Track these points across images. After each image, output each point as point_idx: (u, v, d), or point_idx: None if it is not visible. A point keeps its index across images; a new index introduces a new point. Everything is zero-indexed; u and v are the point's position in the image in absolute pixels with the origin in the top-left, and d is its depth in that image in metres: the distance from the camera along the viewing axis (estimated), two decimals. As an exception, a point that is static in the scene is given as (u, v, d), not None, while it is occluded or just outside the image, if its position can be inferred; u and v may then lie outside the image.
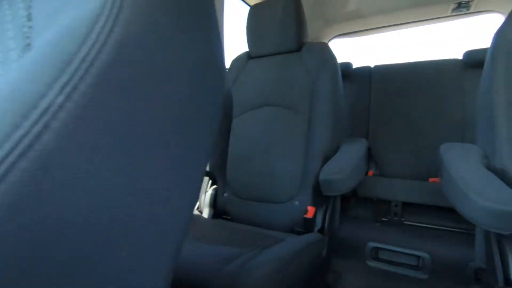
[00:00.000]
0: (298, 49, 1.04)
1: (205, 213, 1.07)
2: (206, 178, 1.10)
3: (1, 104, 0.15)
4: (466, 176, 0.55)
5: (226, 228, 0.93)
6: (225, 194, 1.05)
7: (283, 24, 1.02)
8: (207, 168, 1.06)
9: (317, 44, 1.02)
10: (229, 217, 1.04)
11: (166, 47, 0.23)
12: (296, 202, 0.91)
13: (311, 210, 0.85)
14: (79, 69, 0.17)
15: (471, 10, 1.50)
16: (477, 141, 0.72)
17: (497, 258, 0.58)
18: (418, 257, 1.03)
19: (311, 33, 1.90)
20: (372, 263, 1.10)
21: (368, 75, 1.63)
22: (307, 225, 0.86)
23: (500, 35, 0.69)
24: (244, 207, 1.01)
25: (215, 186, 1.09)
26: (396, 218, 1.22)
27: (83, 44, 0.17)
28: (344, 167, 0.75)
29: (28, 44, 0.22)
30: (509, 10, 1.47)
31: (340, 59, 1.73)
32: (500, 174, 0.61)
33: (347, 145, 0.92)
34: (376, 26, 1.76)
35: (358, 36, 1.87)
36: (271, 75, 1.06)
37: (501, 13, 1.49)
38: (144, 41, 0.21)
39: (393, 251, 1.07)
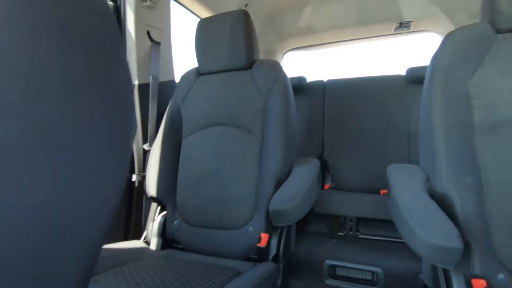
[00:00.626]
0: (249, 66, 1.01)
1: (153, 244, 0.98)
2: (154, 205, 1.01)
3: None
4: (411, 206, 0.55)
5: (176, 260, 0.85)
6: (175, 222, 0.97)
7: (233, 41, 0.98)
8: (155, 194, 0.97)
9: (268, 62, 1.00)
10: (180, 246, 0.96)
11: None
12: (250, 228, 0.87)
13: (264, 237, 0.81)
14: None
15: (411, 29, 1.62)
16: (420, 162, 0.74)
17: (442, 284, 0.59)
18: (372, 272, 1.05)
19: (266, 47, 1.91)
20: (329, 281, 1.09)
21: (321, 89, 1.66)
22: (261, 254, 0.81)
23: (435, 60, 0.71)
24: (196, 235, 0.94)
25: (164, 213, 1.00)
26: (351, 232, 1.23)
27: None
28: (294, 195, 0.72)
29: None
30: (443, 31, 1.60)
31: (296, 72, 1.76)
32: (441, 198, 0.62)
33: (299, 167, 0.89)
34: (327, 41, 1.82)
35: (311, 50, 1.91)
36: (222, 93, 1.01)
37: (438, 33, 1.62)
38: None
39: (349, 268, 1.08)
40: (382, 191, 1.35)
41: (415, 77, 1.43)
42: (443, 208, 0.62)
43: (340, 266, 1.09)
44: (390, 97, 1.49)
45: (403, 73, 1.51)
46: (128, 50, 1.02)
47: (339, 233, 1.26)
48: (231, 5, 1.45)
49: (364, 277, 1.07)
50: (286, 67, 2.12)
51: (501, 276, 0.56)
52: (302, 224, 1.34)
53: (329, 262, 1.10)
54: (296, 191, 0.74)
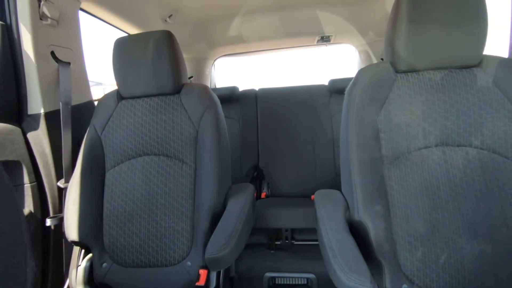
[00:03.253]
0: (177, 91, 0.96)
1: (79, 292, 0.88)
2: (76, 249, 0.91)
3: None
4: (333, 246, 0.61)
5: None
6: (104, 264, 0.89)
7: (157, 64, 0.92)
8: (76, 238, 0.87)
9: (197, 87, 0.97)
10: (112, 290, 0.89)
11: None
12: (188, 263, 0.85)
13: (203, 274, 0.80)
14: None
15: (332, 41, 1.75)
16: (342, 188, 0.81)
17: None
18: (307, 278, 1.14)
19: (196, 54, 1.84)
20: (270, 292, 1.15)
21: (254, 98, 1.69)
22: (200, 291, 0.81)
23: (350, 95, 0.79)
24: (129, 277, 0.88)
25: (89, 256, 0.91)
26: (287, 241, 1.31)
27: None
28: (229, 239, 0.72)
29: None
30: (358, 44, 1.77)
31: (228, 80, 1.75)
32: (358, 225, 0.70)
33: (233, 200, 0.90)
34: (256, 50, 1.85)
35: (240, 56, 1.92)
36: (148, 119, 0.95)
37: (353, 45, 1.79)
38: None
39: (287, 277, 1.15)
40: (312, 196, 1.47)
41: (336, 88, 1.55)
42: (359, 233, 0.70)
43: (278, 277, 1.16)
44: (316, 105, 1.59)
45: (326, 83, 1.63)
46: (27, 75, 0.87)
47: (276, 243, 1.32)
48: (154, 17, 1.34)
49: (300, 283, 1.16)
50: (217, 73, 2.09)
51: (405, 286, 0.67)
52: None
53: (268, 274, 1.16)
54: (231, 233, 0.74)
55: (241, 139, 1.65)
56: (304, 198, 1.43)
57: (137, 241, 0.88)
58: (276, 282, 1.17)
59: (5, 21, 0.82)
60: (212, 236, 0.74)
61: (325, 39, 1.68)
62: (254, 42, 1.75)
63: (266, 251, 1.29)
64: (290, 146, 1.58)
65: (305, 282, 1.15)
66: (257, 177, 1.65)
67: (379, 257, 0.67)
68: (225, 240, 0.71)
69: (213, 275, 0.83)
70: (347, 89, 0.82)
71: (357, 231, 0.70)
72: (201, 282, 0.79)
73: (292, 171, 1.55)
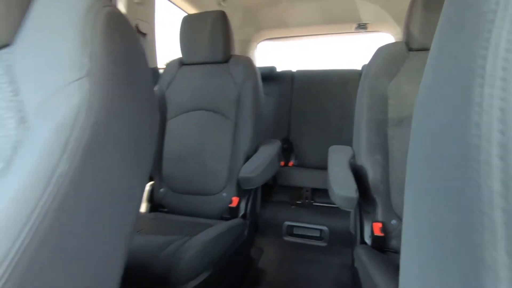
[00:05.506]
0: (226, 60, 1.19)
1: (143, 208, 1.17)
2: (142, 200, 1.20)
3: None
4: (334, 173, 0.79)
5: (163, 220, 1.06)
6: (161, 190, 1.17)
7: (212, 38, 1.15)
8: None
9: (242, 59, 1.19)
10: (165, 209, 1.17)
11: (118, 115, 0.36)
12: (224, 194, 1.09)
13: (235, 200, 1.04)
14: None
15: (369, 29, 1.85)
16: (353, 142, 0.99)
17: (357, 227, 0.85)
18: (320, 230, 1.33)
19: (243, 37, 2.06)
20: (287, 238, 1.36)
21: (290, 78, 1.87)
22: (232, 213, 1.04)
23: (367, 68, 0.95)
24: (179, 200, 1.15)
25: (151, 183, 1.19)
26: (307, 200, 1.51)
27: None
28: (258, 166, 0.95)
29: (22, 117, 0.33)
30: (394, 33, 1.86)
31: (268, 61, 1.94)
32: (360, 169, 0.88)
33: (264, 147, 1.12)
34: (296, 35, 2.02)
35: (282, 41, 2.10)
36: (202, 82, 1.19)
37: (390, 34, 1.87)
38: (109, 119, 0.34)
39: (303, 227, 1.35)
40: None
41: None
42: (360, 176, 0.87)
43: (296, 226, 1.36)
44: (347, 88, 1.74)
45: (359, 68, 1.76)
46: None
47: (297, 202, 1.52)
48: (211, 0, 1.59)
49: (314, 235, 1.35)
50: (259, 55, 2.30)
51: (393, 221, 0.84)
52: (268, 194, 1.59)
53: (287, 223, 1.37)
54: (259, 164, 0.96)
55: (275, 115, 1.85)
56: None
57: (187, 174, 1.14)
58: (294, 231, 1.38)
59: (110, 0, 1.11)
60: (245, 164, 0.97)
61: (362, 27, 1.80)
62: (296, 28, 1.92)
63: (288, 207, 1.50)
64: (320, 123, 1.74)
65: (318, 234, 1.35)
66: (286, 149, 1.86)
67: (374, 195, 0.84)
68: (254, 167, 0.93)
69: (243, 204, 1.07)
70: (366, 63, 0.98)
71: (359, 175, 0.88)
72: (233, 204, 1.02)
73: (319, 146, 1.72)
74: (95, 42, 0.34)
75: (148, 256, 0.69)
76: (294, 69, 1.92)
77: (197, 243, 0.73)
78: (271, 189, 1.62)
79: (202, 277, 0.72)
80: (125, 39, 0.39)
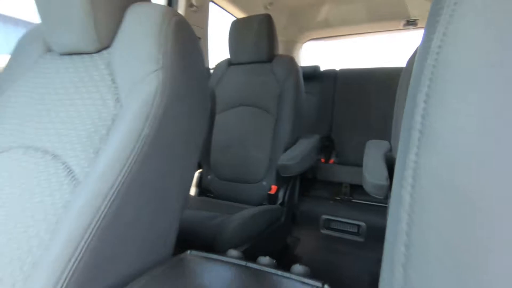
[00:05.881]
0: (270, 60, 1.28)
1: (192, 192, 1.32)
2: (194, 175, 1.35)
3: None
4: (367, 163, 0.83)
5: (209, 202, 1.19)
6: (209, 177, 1.31)
7: (258, 40, 1.25)
8: (194, 155, 1.31)
9: (285, 58, 1.27)
10: (211, 195, 1.30)
11: (184, 104, 0.48)
12: (264, 182, 1.18)
13: (274, 188, 1.12)
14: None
15: (418, 26, 1.79)
16: (391, 136, 1.00)
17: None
18: (358, 225, 1.35)
19: (288, 37, 2.15)
20: (324, 231, 1.40)
21: (333, 76, 1.90)
22: (271, 200, 1.13)
23: (409, 63, 0.96)
24: (224, 186, 1.27)
25: (200, 170, 1.34)
26: (346, 197, 1.53)
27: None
28: (296, 156, 1.02)
29: (117, 98, 0.46)
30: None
31: (312, 61, 1.99)
32: (394, 162, 0.90)
33: (302, 139, 1.19)
34: (341, 34, 2.03)
35: (326, 40, 2.13)
36: (247, 80, 1.30)
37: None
38: (178, 104, 0.45)
39: (341, 221, 1.38)
40: None
41: None
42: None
43: (333, 220, 1.40)
44: (392, 87, 1.71)
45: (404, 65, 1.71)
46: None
47: (336, 197, 1.55)
48: (258, 4, 1.70)
49: (351, 230, 1.37)
50: (304, 55, 2.35)
51: None
52: (307, 188, 1.65)
53: (325, 216, 1.41)
54: (297, 153, 1.03)
55: (317, 112, 1.90)
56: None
57: (232, 163, 1.26)
58: (331, 225, 1.41)
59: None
60: (284, 153, 1.05)
61: (411, 23, 1.75)
62: (340, 27, 1.94)
63: (326, 201, 1.54)
64: (362, 121, 1.74)
65: (356, 230, 1.36)
66: (327, 146, 1.88)
67: None
68: (292, 156, 1.01)
69: (281, 193, 1.15)
70: (408, 59, 0.99)
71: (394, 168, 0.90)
72: (272, 191, 1.11)
73: (360, 144, 1.72)
74: (167, 43, 0.46)
75: (197, 226, 0.81)
76: (337, 68, 1.94)
77: (238, 218, 0.83)
78: (310, 184, 1.67)
79: (240, 249, 0.82)
80: (188, 41, 0.50)
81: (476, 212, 0.18)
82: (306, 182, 1.65)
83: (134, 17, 0.50)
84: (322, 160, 1.76)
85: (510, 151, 0.17)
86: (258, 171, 1.20)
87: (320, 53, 2.31)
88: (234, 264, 0.44)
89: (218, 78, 1.37)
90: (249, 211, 0.91)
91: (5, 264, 0.39)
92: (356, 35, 2.02)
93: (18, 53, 0.60)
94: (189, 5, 1.30)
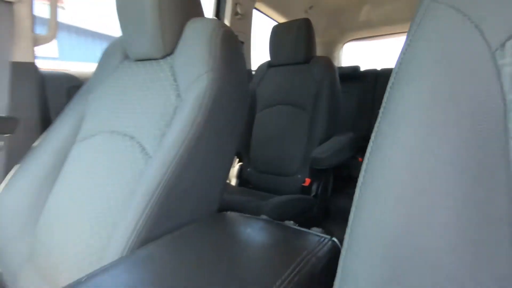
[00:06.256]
0: (308, 61, 1.36)
1: (233, 182, 1.45)
2: (234, 157, 1.49)
3: None
4: None
5: (248, 192, 1.30)
6: (249, 169, 1.43)
7: (296, 43, 1.34)
8: (237, 150, 1.44)
9: (322, 59, 1.34)
10: (250, 186, 1.42)
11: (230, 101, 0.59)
12: (299, 175, 1.26)
13: (307, 181, 1.20)
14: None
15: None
16: None
17: None
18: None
19: (329, 38, 2.19)
20: (358, 227, 1.43)
21: (374, 76, 1.90)
22: (304, 192, 1.21)
23: None
24: (262, 179, 1.38)
25: (241, 163, 1.46)
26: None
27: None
28: (328, 150, 1.09)
29: (178, 94, 0.59)
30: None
31: (353, 61, 2.00)
32: None
33: (336, 136, 1.24)
34: (383, 34, 2.01)
35: (367, 41, 2.12)
36: (286, 81, 1.40)
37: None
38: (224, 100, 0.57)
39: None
40: None
41: None
42: None
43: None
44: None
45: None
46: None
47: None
48: (299, 8, 1.78)
49: None
50: (345, 56, 2.36)
51: None
52: (343, 186, 1.68)
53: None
54: (329, 148, 1.10)
55: (357, 112, 1.91)
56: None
57: (269, 157, 1.36)
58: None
59: (218, 16, 1.43)
60: (318, 147, 1.12)
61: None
62: (382, 27, 1.93)
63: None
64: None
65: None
66: (366, 146, 1.88)
67: None
68: (324, 150, 1.07)
69: (315, 186, 1.22)
70: None
71: None
72: (306, 183, 1.19)
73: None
74: (216, 50, 0.58)
75: (236, 204, 0.93)
76: (379, 68, 1.93)
77: (273, 202, 0.93)
78: (346, 182, 1.70)
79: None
80: (233, 48, 0.62)
81: (408, 208, 0.25)
82: (341, 179, 1.68)
83: (191, 29, 0.63)
84: (360, 159, 1.78)
85: (435, 159, 0.24)
86: (293, 165, 1.29)
87: (361, 53, 2.31)
88: (264, 219, 0.54)
89: (259, 79, 1.48)
90: (284, 197, 1.00)
91: (96, 220, 0.54)
92: (398, 35, 1.98)
93: (103, 61, 0.77)
94: (235, 13, 1.44)
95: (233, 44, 0.62)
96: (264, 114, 1.43)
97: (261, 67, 1.51)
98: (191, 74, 0.58)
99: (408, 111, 0.26)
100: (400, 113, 0.27)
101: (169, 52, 0.64)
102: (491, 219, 0.22)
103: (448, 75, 0.25)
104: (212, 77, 0.56)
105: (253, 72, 1.56)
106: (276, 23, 1.46)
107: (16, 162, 0.67)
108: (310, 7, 1.77)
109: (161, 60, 0.64)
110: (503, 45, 0.23)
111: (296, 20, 1.36)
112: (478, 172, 0.23)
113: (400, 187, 0.25)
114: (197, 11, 0.67)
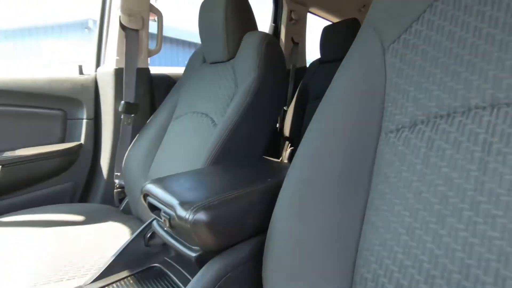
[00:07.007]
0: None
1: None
2: (286, 142, 1.72)
3: None
4: None
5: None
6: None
7: (345, 41, 1.50)
8: (288, 134, 1.67)
9: None
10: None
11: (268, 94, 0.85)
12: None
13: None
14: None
15: None
16: None
17: None
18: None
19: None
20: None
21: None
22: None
23: None
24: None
25: (292, 147, 1.70)
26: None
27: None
28: None
29: (236, 84, 0.87)
30: None
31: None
32: None
33: None
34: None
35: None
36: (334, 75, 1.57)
37: None
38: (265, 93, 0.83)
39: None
40: None
41: None
42: None
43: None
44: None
45: None
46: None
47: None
48: (352, 8, 1.91)
49: None
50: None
51: None
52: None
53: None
54: None
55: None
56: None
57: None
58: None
59: (275, 22, 1.69)
60: None
61: None
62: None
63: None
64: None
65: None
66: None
67: None
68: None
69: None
70: None
71: None
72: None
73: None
74: (261, 54, 0.84)
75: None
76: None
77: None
78: None
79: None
80: (276, 56, 0.87)
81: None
82: None
83: (247, 40, 0.90)
84: None
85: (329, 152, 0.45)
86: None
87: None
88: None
89: (311, 75, 1.69)
90: None
91: (183, 166, 0.86)
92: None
93: (189, 64, 1.11)
94: (289, 19, 1.67)
95: (275, 50, 0.87)
96: (315, 105, 1.63)
97: (313, 64, 1.71)
98: (244, 71, 0.85)
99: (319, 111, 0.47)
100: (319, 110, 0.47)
101: (232, 56, 0.92)
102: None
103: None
104: (258, 73, 0.82)
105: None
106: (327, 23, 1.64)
107: (137, 132, 1.05)
108: (363, 6, 1.88)
109: (226, 62, 0.93)
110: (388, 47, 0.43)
111: (345, 20, 1.52)
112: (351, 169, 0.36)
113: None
114: (253, 27, 0.94)
